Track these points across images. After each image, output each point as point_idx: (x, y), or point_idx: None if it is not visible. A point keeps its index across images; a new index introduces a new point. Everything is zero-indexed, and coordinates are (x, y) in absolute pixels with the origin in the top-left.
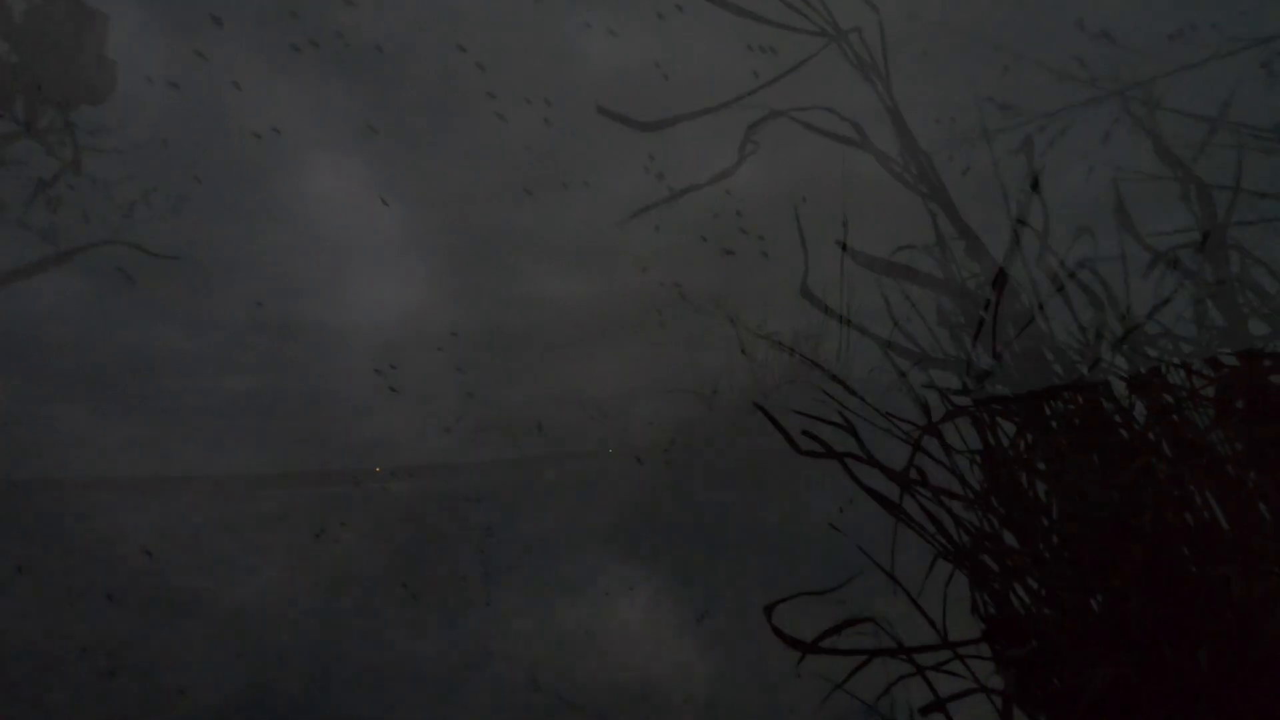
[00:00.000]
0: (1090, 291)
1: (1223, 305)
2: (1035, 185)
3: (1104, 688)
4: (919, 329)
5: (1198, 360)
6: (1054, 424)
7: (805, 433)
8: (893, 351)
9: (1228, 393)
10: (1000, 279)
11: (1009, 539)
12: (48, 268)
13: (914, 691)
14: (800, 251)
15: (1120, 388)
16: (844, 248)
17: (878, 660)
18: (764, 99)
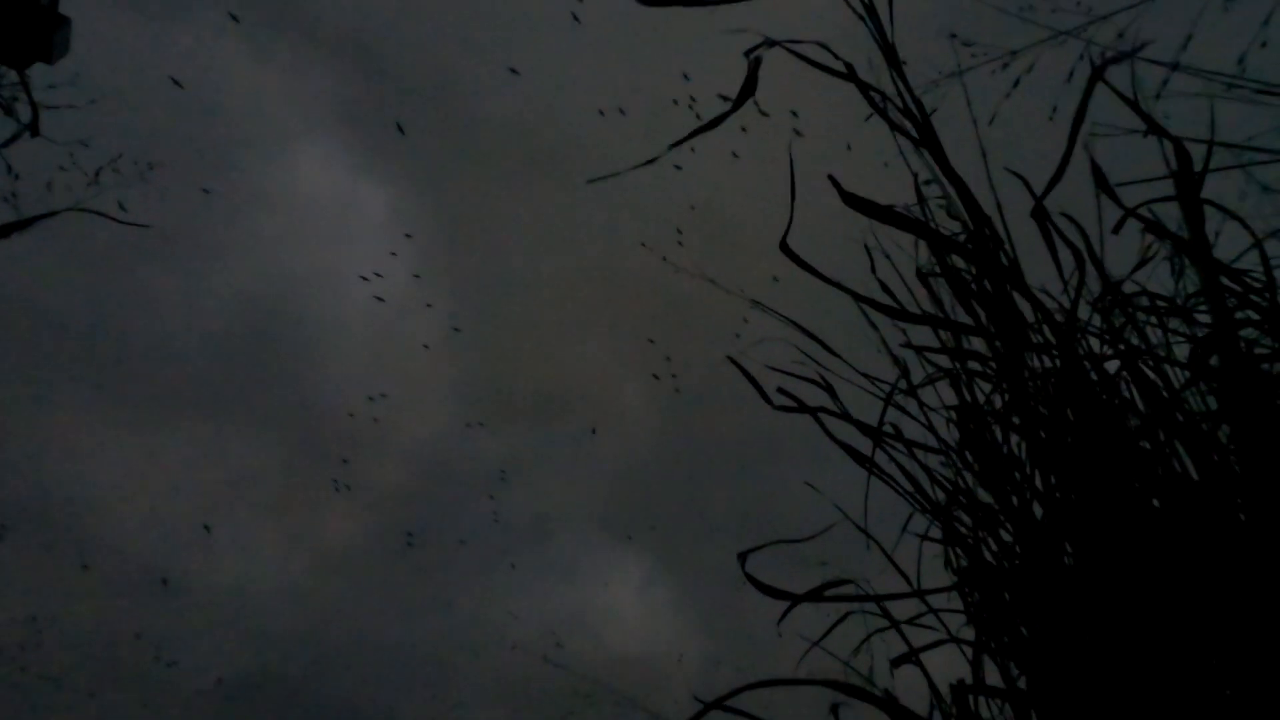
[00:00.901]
0: (1071, 246)
1: (1198, 261)
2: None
3: (1074, 638)
4: (898, 286)
5: (1173, 318)
6: (1030, 381)
7: (780, 390)
8: (870, 308)
9: (1202, 349)
10: (983, 231)
11: (983, 496)
12: (9, 234)
13: (892, 648)
14: (782, 203)
15: (1096, 344)
16: (837, 185)
17: (860, 621)
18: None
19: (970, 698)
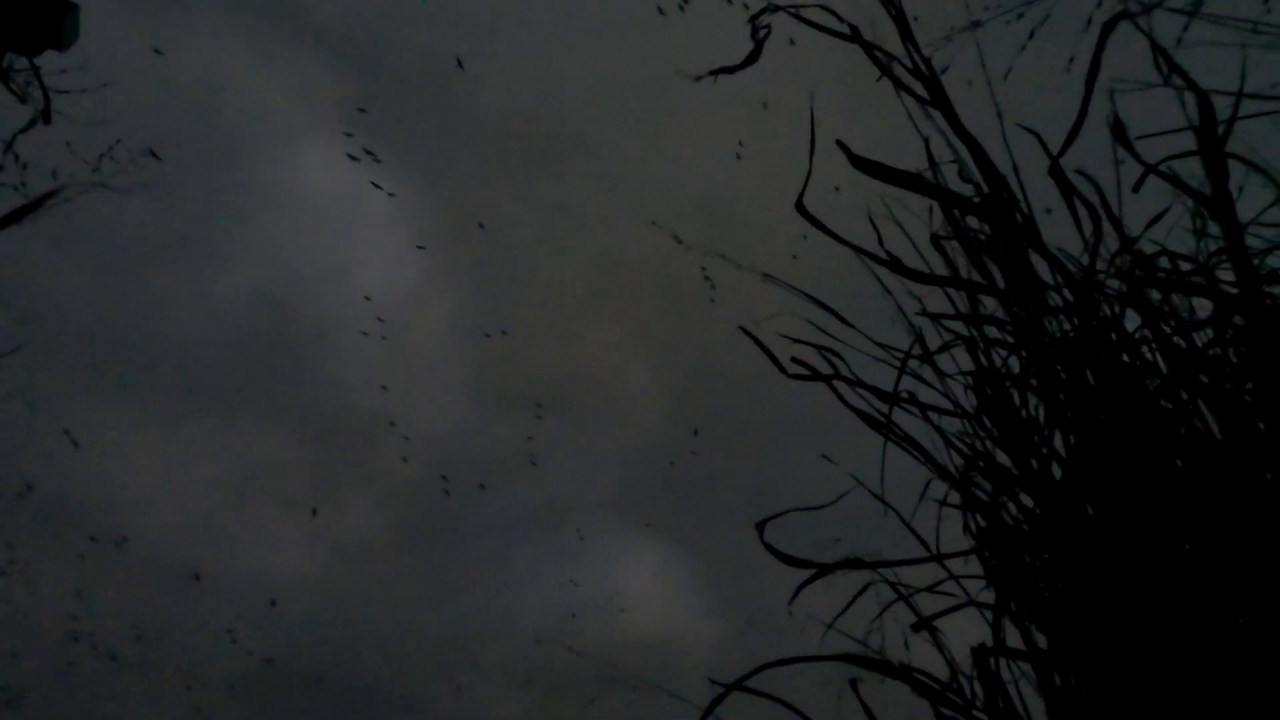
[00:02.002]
0: (1088, 205)
1: (1221, 218)
2: None
3: (1096, 598)
4: (912, 257)
5: (1195, 275)
6: (1048, 342)
7: (794, 359)
8: (885, 270)
9: (1225, 308)
10: (999, 192)
11: (1002, 460)
12: (22, 218)
13: (909, 621)
14: (793, 168)
15: (1116, 305)
16: (845, 149)
17: (876, 597)
18: None
19: (991, 660)
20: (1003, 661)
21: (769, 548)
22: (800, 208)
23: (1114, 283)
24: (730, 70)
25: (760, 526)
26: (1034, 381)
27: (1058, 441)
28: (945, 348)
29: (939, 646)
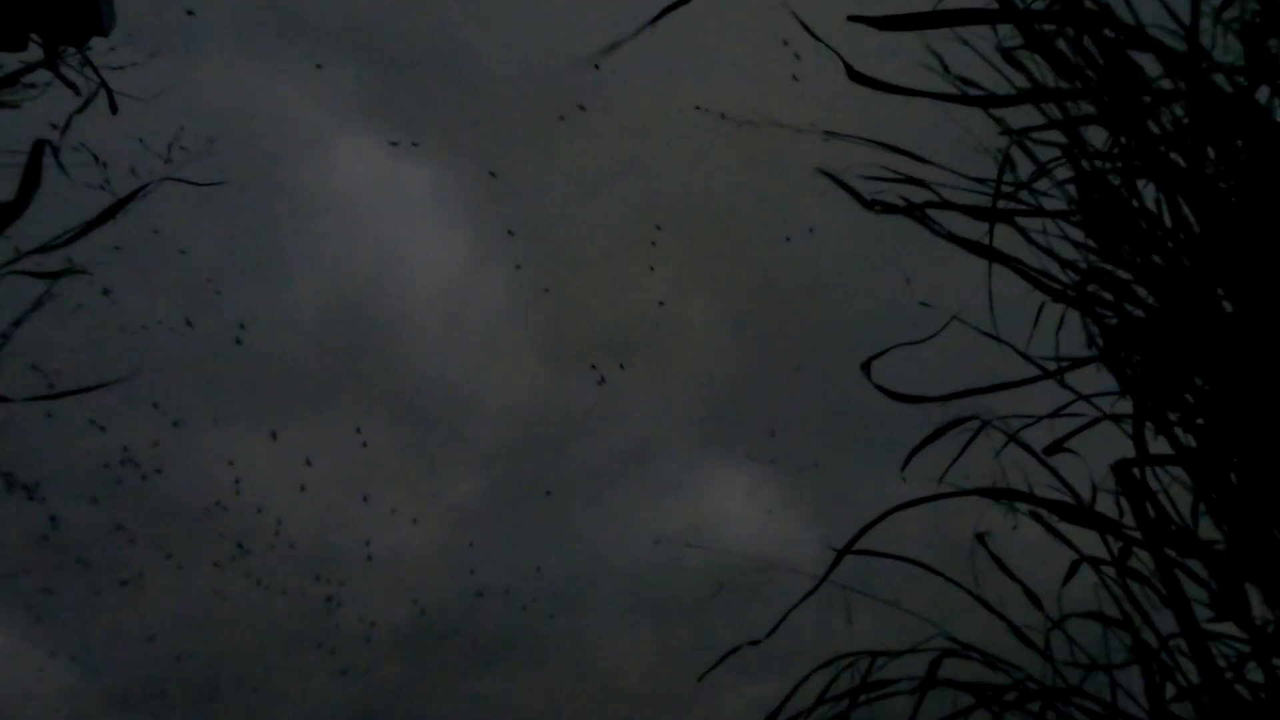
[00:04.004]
0: None
1: None
2: None
3: (1246, 384)
4: (982, 72)
5: None
6: (1156, 131)
7: (874, 202)
8: (960, 105)
9: None
10: None
11: (1116, 271)
12: (115, 214)
13: (1027, 466)
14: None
15: (1226, 80)
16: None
17: (990, 442)
18: None
19: (1135, 470)
20: (1147, 474)
21: (879, 387)
22: (853, 74)
23: (1222, 55)
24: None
25: (866, 366)
26: (1142, 166)
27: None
28: (1042, 170)
29: (1062, 484)
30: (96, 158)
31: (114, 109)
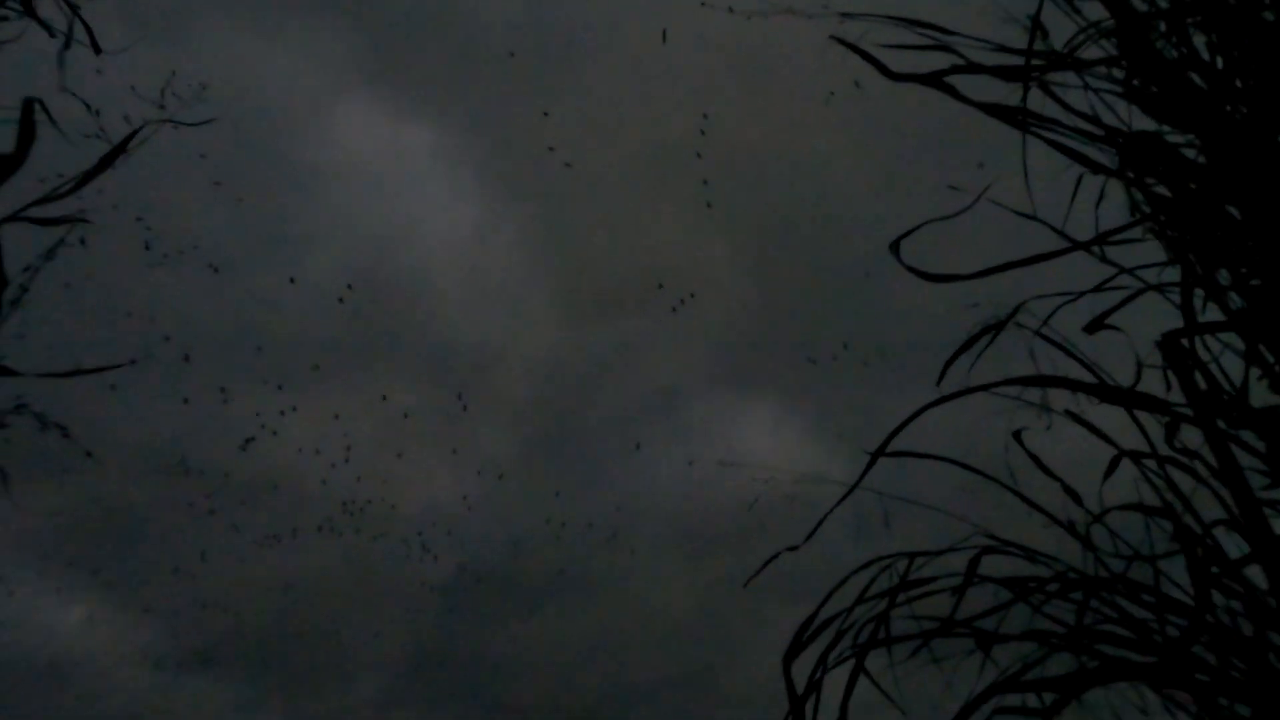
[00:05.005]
0: None
1: None
2: None
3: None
4: None
5: None
6: None
7: (897, 73)
8: None
9: None
10: None
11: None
12: (114, 161)
13: (1054, 359)
14: None
15: None
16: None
17: (1023, 337)
18: None
19: (1184, 341)
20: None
21: (909, 268)
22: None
23: None
24: None
25: (895, 246)
26: (1193, 7)
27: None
28: (1091, 29)
29: (1098, 376)
30: (89, 106)
31: (96, 49)
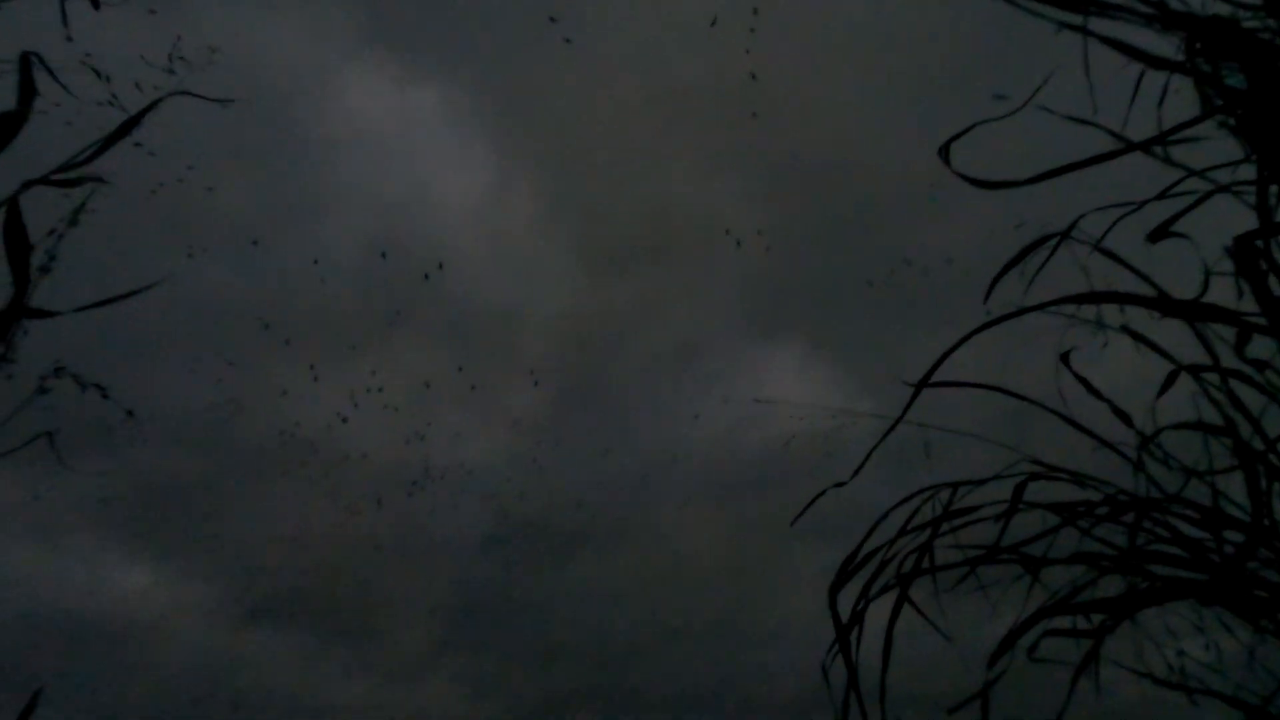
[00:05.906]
0: None
1: None
2: None
3: None
4: None
5: None
6: None
7: None
8: None
9: None
10: None
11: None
12: (131, 129)
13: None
14: None
15: None
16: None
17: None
18: None
19: (1259, 243)
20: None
21: (959, 174)
22: None
23: None
24: None
25: (944, 150)
26: None
27: None
28: None
29: (1157, 290)
30: (98, 73)
31: (95, 4)
